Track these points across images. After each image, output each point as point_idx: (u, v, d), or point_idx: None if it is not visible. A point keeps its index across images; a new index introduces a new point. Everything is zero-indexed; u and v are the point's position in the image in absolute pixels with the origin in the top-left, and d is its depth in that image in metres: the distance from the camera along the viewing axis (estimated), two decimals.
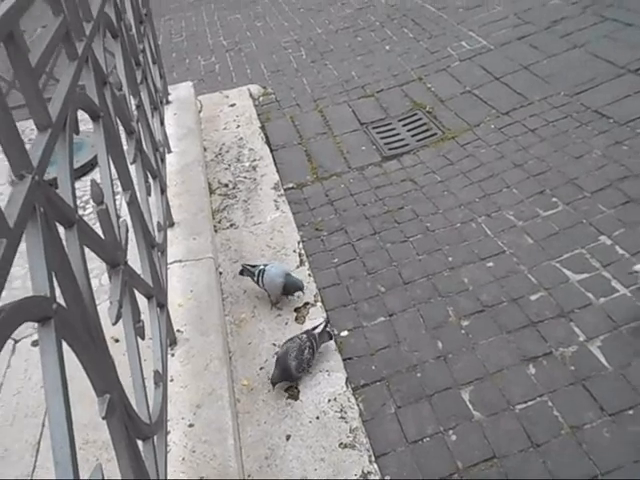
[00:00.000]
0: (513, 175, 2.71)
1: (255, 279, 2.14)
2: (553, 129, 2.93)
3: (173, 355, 1.82)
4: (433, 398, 1.80)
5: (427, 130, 3.22)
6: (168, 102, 3.36)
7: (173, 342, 1.86)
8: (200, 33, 5.45)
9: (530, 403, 1.72)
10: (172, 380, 1.73)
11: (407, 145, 3.14)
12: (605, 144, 2.72)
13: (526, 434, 1.64)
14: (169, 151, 2.86)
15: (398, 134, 3.26)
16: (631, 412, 1.62)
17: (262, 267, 2.15)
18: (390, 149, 3.14)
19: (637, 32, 3.49)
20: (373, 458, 1.63)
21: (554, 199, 2.49)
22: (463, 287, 2.17)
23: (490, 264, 2.26)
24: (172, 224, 2.38)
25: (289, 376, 1.81)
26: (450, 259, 2.31)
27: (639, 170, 2.49)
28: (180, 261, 2.20)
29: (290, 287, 2.10)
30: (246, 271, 2.21)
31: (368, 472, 1.58)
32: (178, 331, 1.90)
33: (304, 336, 1.88)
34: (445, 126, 3.23)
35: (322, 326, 1.94)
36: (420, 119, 3.34)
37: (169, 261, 2.12)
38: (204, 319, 1.92)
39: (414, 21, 4.59)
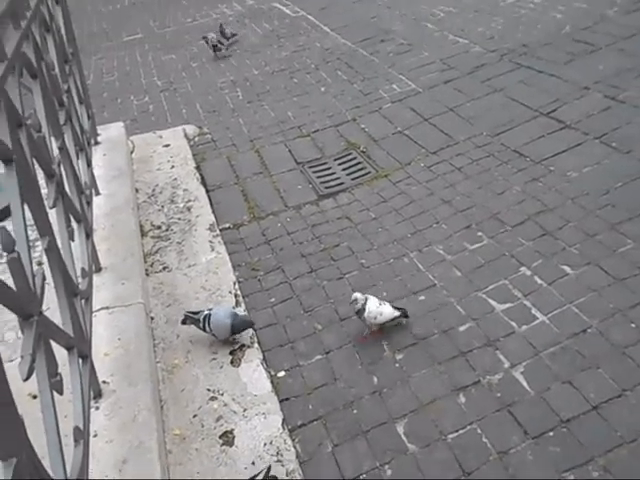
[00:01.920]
0: (442, 211, 2.96)
1: (201, 325, 2.17)
2: (477, 167, 3.26)
3: (98, 408, 1.80)
4: (369, 434, 1.89)
5: (361, 169, 3.46)
6: (97, 143, 3.39)
7: (98, 394, 1.83)
8: (133, 73, 5.55)
9: (461, 432, 1.85)
10: (96, 435, 1.70)
11: (342, 183, 3.35)
12: (523, 181, 3.05)
13: (458, 463, 1.75)
14: (97, 193, 2.87)
15: (334, 173, 3.47)
16: (551, 434, 1.79)
17: (207, 312, 2.18)
18: (326, 187, 3.34)
19: (548, 78, 4.00)
20: None
21: (479, 233, 2.75)
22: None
23: (422, 297, 2.43)
24: (99, 269, 2.38)
25: None
26: (385, 294, 2.46)
27: (553, 205, 2.81)
28: (107, 308, 2.19)
29: (239, 326, 2.15)
30: (189, 319, 2.23)
31: None
32: (104, 382, 1.88)
33: None
34: (378, 165, 3.48)
35: (264, 472, 1.70)
36: (355, 158, 3.58)
37: (96, 308, 2.11)
38: (132, 368, 1.92)
39: (348, 64, 4.96)
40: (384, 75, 4.61)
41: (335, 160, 3.60)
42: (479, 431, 1.84)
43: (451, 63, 4.59)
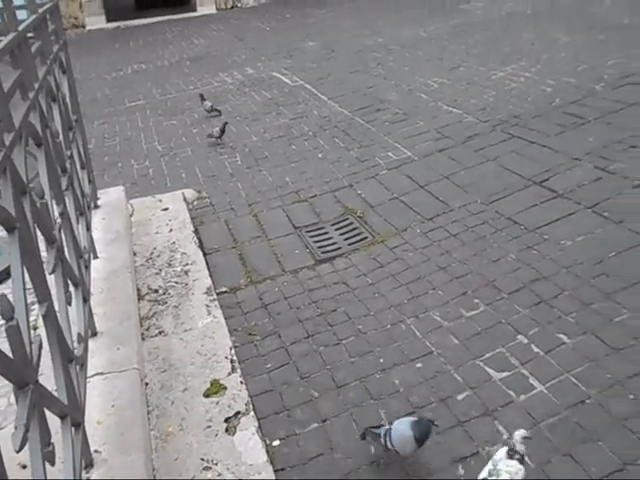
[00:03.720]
0: (438, 277, 3.11)
1: (382, 442, 2.06)
2: (472, 234, 3.46)
3: (89, 479, 1.83)
4: None
5: (358, 234, 3.66)
6: (97, 206, 3.59)
7: (89, 464, 1.87)
8: (134, 138, 5.92)
9: None
10: None
11: (340, 248, 3.53)
12: (518, 248, 3.24)
13: None
14: (95, 257, 3.02)
15: (331, 238, 3.66)
16: None
17: (388, 427, 2.08)
18: (323, 252, 3.51)
19: (539, 149, 4.33)
20: None
21: (476, 300, 2.89)
22: (394, 389, 2.40)
23: (419, 365, 2.52)
24: (95, 333, 2.47)
25: None
26: (381, 360, 2.56)
27: (548, 273, 2.98)
28: (102, 373, 2.26)
29: (424, 437, 1.99)
30: (370, 434, 2.12)
31: None
32: (96, 451, 1.92)
33: None
34: (375, 230, 3.68)
35: None
36: (351, 223, 3.79)
37: (90, 374, 2.19)
38: (125, 436, 1.97)
39: (345, 132, 5.33)
40: (380, 143, 4.95)
41: (332, 225, 3.81)
42: None
43: (445, 132, 4.95)
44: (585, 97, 5.03)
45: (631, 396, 2.17)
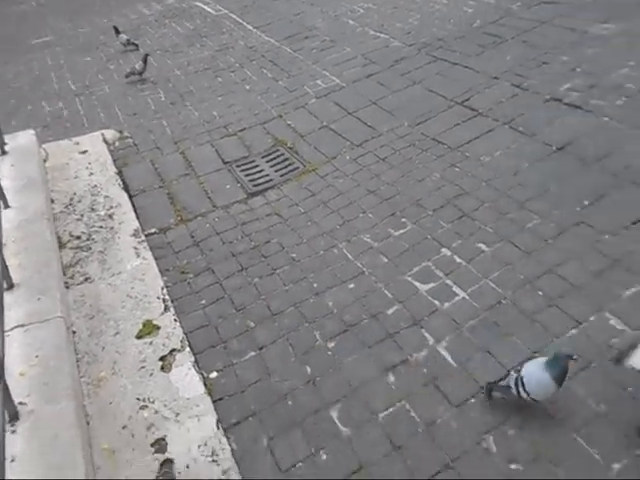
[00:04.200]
0: (368, 201, 3.05)
1: (514, 392, 1.77)
2: (400, 157, 3.38)
3: (14, 432, 1.71)
4: (304, 423, 1.92)
5: (289, 165, 3.49)
6: (4, 152, 3.19)
7: (14, 417, 1.74)
8: (44, 77, 5.26)
9: (391, 410, 1.93)
10: (13, 461, 1.62)
11: (271, 180, 3.37)
12: (442, 167, 3.21)
13: (389, 440, 1.83)
14: (6, 206, 2.71)
15: (262, 170, 3.48)
16: (473, 400, 1.91)
17: (515, 375, 1.79)
18: (255, 185, 3.34)
19: (461, 70, 4.22)
20: None
21: (403, 219, 2.86)
22: (328, 311, 2.37)
23: (352, 285, 2.50)
24: (11, 285, 2.25)
25: None
26: (315, 285, 2.51)
27: (470, 188, 2.98)
28: (22, 325, 2.08)
29: (562, 375, 1.71)
30: (497, 388, 1.85)
31: None
32: (21, 403, 1.79)
33: None
34: (306, 160, 3.53)
35: None
36: (282, 154, 3.61)
37: (9, 327, 2.00)
38: (51, 385, 1.84)
39: (272, 62, 4.97)
40: (308, 71, 4.67)
41: (263, 158, 3.61)
42: (408, 407, 1.92)
43: (372, 58, 4.72)
44: (503, 17, 4.91)
45: (540, 293, 2.26)
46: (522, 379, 1.76)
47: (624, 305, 2.13)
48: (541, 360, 1.77)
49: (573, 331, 2.08)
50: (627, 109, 3.27)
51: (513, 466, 1.70)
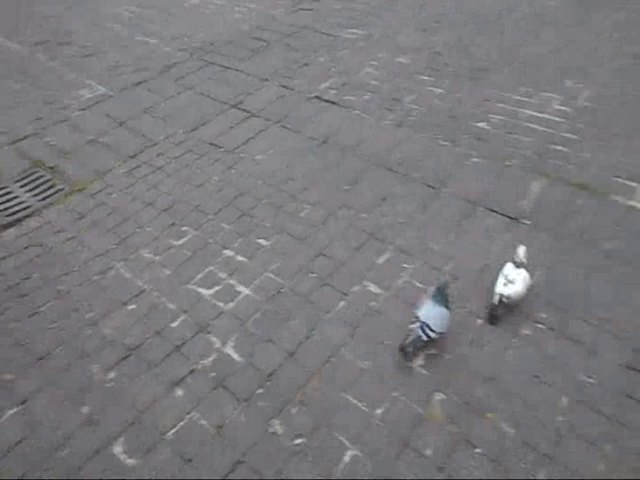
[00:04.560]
0: (146, 214, 2.89)
1: (425, 338, 1.94)
2: (177, 164, 3.29)
3: None
4: (84, 469, 1.72)
5: (51, 187, 3.10)
6: None
7: None
8: None
9: (180, 424, 1.86)
10: None
11: (29, 207, 2.95)
12: (220, 170, 3.22)
13: (179, 456, 1.76)
14: None
15: (16, 197, 3.02)
16: (260, 390, 1.96)
17: (417, 324, 1.96)
18: (7, 216, 2.87)
19: (233, 73, 4.31)
20: None
21: (184, 227, 2.79)
22: (107, 339, 2.18)
23: (132, 306, 2.34)
24: None
25: None
26: (89, 315, 2.28)
27: (247, 189, 3.06)
28: None
29: (447, 298, 1.97)
30: (408, 345, 1.97)
31: None
32: None
33: None
34: (72, 179, 3.17)
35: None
36: (42, 176, 3.18)
37: None
38: None
39: (22, 72, 4.35)
40: (69, 81, 4.21)
41: (16, 183, 3.13)
42: (197, 416, 1.88)
43: (142, 64, 4.50)
44: (268, 22, 5.17)
45: (313, 275, 2.44)
46: (426, 323, 1.96)
47: (378, 271, 2.44)
48: (428, 302, 2.02)
49: (342, 302, 2.30)
50: (372, 103, 3.75)
51: (298, 441, 1.80)
